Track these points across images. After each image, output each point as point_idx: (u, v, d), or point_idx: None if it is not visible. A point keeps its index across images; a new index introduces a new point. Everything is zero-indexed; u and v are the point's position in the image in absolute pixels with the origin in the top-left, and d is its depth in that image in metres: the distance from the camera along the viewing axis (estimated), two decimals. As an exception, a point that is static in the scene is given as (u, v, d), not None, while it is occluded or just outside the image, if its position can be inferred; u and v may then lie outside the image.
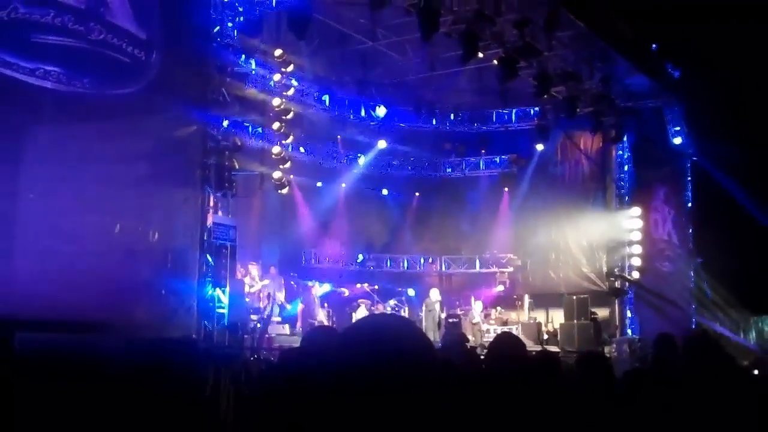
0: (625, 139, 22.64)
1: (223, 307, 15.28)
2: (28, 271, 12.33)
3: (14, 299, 11.16)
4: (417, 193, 25.14)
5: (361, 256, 24.32)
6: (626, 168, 23.28)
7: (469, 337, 20.87)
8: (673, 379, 5.10)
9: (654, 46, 21.15)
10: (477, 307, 21.66)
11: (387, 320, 2.54)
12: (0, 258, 12.06)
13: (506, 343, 4.66)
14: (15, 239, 12.56)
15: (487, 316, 22.06)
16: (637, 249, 22.49)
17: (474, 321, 21.36)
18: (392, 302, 21.65)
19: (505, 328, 21.51)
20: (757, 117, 20.87)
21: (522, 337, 20.80)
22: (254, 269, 18.61)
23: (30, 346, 8.79)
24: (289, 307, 19.14)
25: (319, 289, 20.08)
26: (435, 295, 20.80)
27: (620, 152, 23.23)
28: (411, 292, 22.36)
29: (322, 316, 19.65)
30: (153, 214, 14.11)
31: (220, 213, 15.42)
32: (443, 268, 24.89)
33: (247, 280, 17.91)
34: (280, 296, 18.94)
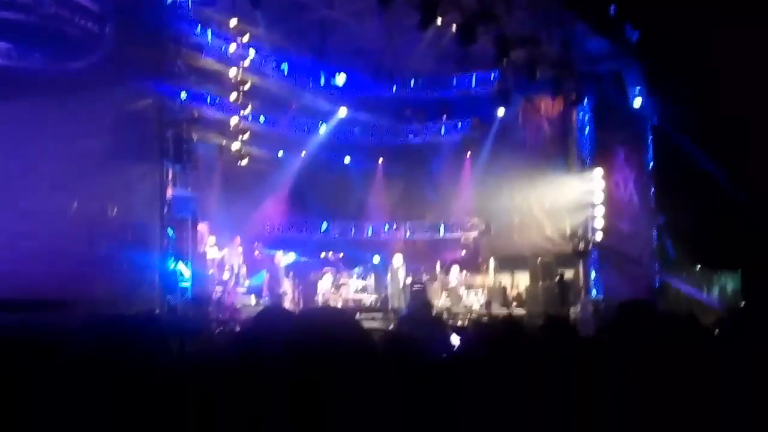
0: (585, 102, 22.65)
1: (186, 281, 15.20)
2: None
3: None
4: (380, 161, 25.05)
5: (325, 225, 24.27)
6: (587, 131, 23.31)
7: (445, 301, 21.08)
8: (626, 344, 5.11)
9: (612, 8, 21.14)
10: (454, 271, 21.74)
11: (330, 319, 2.55)
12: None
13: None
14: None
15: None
16: (600, 210, 22.60)
17: (451, 285, 21.46)
18: (357, 270, 21.66)
19: (472, 292, 21.66)
20: (715, 78, 20.98)
21: (488, 299, 21.10)
22: (211, 238, 18.51)
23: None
24: (247, 282, 19.07)
25: (284, 258, 20.03)
26: (398, 260, 20.83)
27: (581, 115, 23.24)
28: (376, 259, 22.38)
29: (287, 286, 19.62)
30: (111, 189, 13.96)
31: (179, 186, 15.28)
32: (408, 234, 24.90)
33: (208, 250, 17.81)
34: (243, 267, 18.88)
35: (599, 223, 22.70)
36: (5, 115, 12.89)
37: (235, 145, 18.99)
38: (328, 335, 2.41)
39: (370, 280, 21.60)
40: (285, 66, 20.75)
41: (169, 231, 14.87)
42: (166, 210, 14.82)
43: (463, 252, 23.98)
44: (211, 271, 17.55)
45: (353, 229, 24.70)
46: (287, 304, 18.56)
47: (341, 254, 21.73)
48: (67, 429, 2.79)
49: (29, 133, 12.99)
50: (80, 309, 11.43)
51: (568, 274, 21.95)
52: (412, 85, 23.53)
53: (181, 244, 15.11)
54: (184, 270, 15.11)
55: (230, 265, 18.19)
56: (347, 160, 24.66)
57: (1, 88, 12.98)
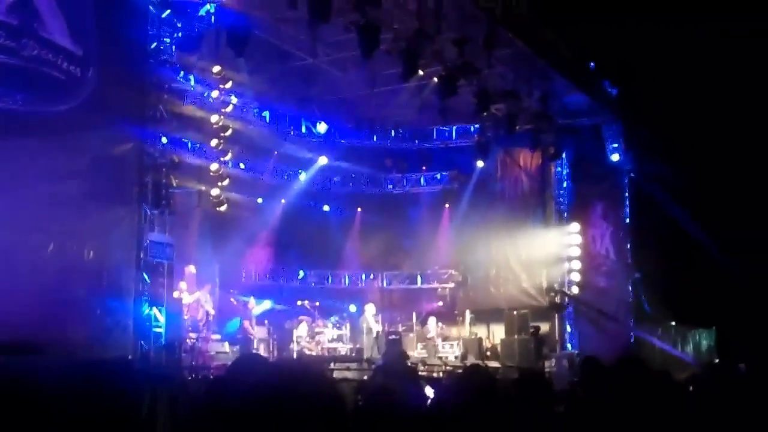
0: (564, 155, 22.90)
1: (160, 326, 15.07)
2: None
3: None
4: (359, 209, 25.11)
5: (302, 273, 24.22)
6: (565, 184, 23.54)
7: (421, 352, 21.03)
8: (601, 398, 5.11)
9: (592, 64, 21.45)
10: (430, 322, 21.74)
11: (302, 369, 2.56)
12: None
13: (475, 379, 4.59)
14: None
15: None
16: (576, 264, 22.74)
17: (429, 336, 21.47)
18: (333, 319, 21.57)
19: (447, 344, 21.63)
20: (691, 135, 21.29)
21: (464, 351, 21.06)
22: (182, 284, 18.40)
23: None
24: (229, 324, 18.97)
25: (258, 306, 19.90)
26: (371, 310, 20.82)
27: (559, 169, 23.49)
28: (352, 308, 22.32)
29: (261, 333, 19.47)
30: (88, 233, 13.84)
31: (156, 231, 15.20)
32: (384, 284, 24.88)
33: (183, 296, 17.71)
34: (215, 313, 18.78)
35: (575, 277, 22.81)
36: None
37: (215, 191, 18.98)
38: (298, 386, 2.41)
39: (346, 330, 21.51)
40: (267, 113, 20.89)
41: (145, 276, 14.77)
42: (142, 254, 14.72)
43: (440, 303, 23.99)
44: (186, 317, 17.43)
45: (330, 278, 24.66)
46: (262, 351, 18.44)
47: (317, 303, 21.65)
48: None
49: (7, 174, 12.88)
50: (54, 352, 11.29)
51: (544, 327, 21.99)
52: (392, 135, 23.73)
53: (156, 290, 15.00)
54: (159, 315, 14.98)
55: (203, 312, 18.07)
56: (326, 208, 24.69)
57: (-20, 128, 12.91)
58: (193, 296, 18.17)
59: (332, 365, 18.66)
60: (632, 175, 23.18)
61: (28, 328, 11.79)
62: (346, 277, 24.79)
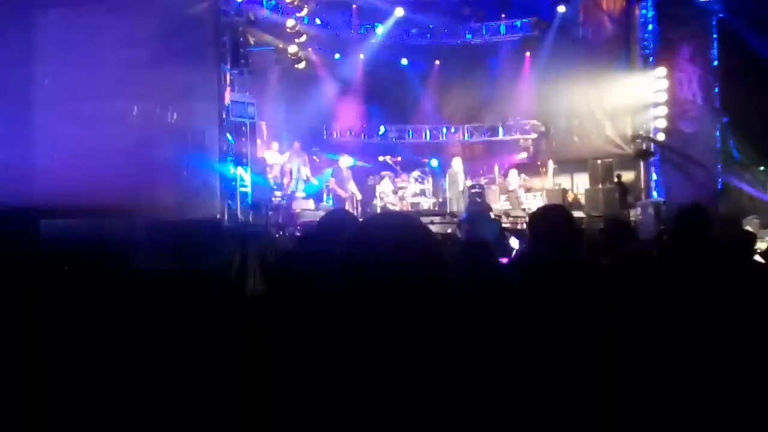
0: (648, -3, 21.96)
1: (246, 186, 15.25)
2: (48, 159, 12.31)
3: (35, 188, 11.17)
4: (437, 62, 24.62)
5: (382, 128, 24.08)
6: (650, 27, 22.59)
7: (504, 204, 20.96)
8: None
9: None
10: (512, 174, 21.55)
11: (400, 221, 2.48)
12: (18, 147, 12.03)
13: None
14: (32, 127, 12.50)
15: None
16: (662, 110, 22.05)
17: (511, 188, 21.31)
18: (415, 173, 21.52)
19: (530, 195, 21.50)
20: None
21: (547, 202, 20.91)
22: (274, 144, 18.48)
23: (54, 232, 8.79)
24: (315, 181, 19.08)
25: (345, 161, 19.90)
26: (457, 164, 20.67)
27: (644, 11, 22.53)
28: (434, 162, 22.23)
29: (354, 189, 19.52)
30: (169, 95, 13.92)
31: (237, 90, 15.20)
32: (465, 137, 24.62)
33: (267, 155, 17.81)
34: (305, 171, 18.89)
35: (661, 123, 22.18)
36: (62, 22, 12.83)
37: (292, 48, 18.73)
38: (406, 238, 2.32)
39: (428, 184, 21.48)
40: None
41: (228, 136, 14.87)
42: (224, 114, 14.78)
43: (522, 154, 23.69)
44: (271, 176, 17.57)
45: (410, 133, 24.47)
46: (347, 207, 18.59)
47: (398, 158, 21.59)
48: (139, 333, 2.79)
49: (86, 41, 12.91)
50: (143, 214, 11.52)
51: (629, 176, 21.63)
52: (470, -17, 22.98)
53: (240, 149, 15.12)
54: (244, 175, 15.14)
55: (290, 170, 18.18)
56: (404, 61, 24.27)
57: (55, -4, 12.90)
58: (283, 156, 18.27)
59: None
60: (720, 15, 22.13)
61: (118, 192, 12.05)
62: (427, 131, 24.54)
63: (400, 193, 20.60)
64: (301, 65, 19.16)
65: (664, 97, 21.97)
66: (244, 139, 15.19)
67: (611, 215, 17.56)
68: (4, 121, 12.14)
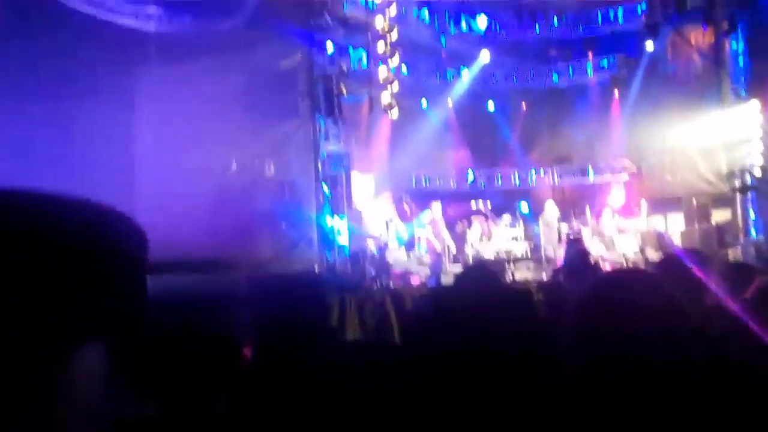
0: (738, 30, 21.43)
1: (342, 237, 15.12)
2: (150, 215, 12.33)
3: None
4: (524, 104, 24.35)
5: (471, 173, 23.83)
6: (741, 61, 22.06)
7: (598, 247, 20.45)
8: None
9: None
10: (605, 216, 21.06)
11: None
12: (121, 203, 12.10)
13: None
14: (134, 184, 12.59)
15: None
16: (758, 145, 21.40)
17: (604, 230, 20.81)
18: (507, 218, 21.15)
19: (624, 237, 20.96)
20: None
21: (643, 244, 20.37)
22: (367, 193, 18.35)
23: (158, 288, 8.68)
24: (407, 231, 18.89)
25: (437, 209, 19.66)
26: (552, 209, 20.29)
27: (734, 45, 22.00)
28: (524, 207, 21.85)
29: (446, 237, 19.25)
30: (266, 149, 13.98)
31: (331, 141, 15.15)
32: (555, 180, 24.21)
33: (360, 205, 17.70)
34: (397, 220, 18.70)
35: (757, 158, 21.51)
36: (161, 80, 12.98)
37: (385, 97, 18.61)
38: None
39: (519, 229, 21.09)
40: (425, 11, 20.27)
41: (325, 187, 14.79)
42: (320, 166, 14.72)
43: (614, 195, 23.18)
44: (365, 226, 17.43)
45: (499, 177, 24.14)
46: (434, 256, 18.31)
47: (489, 203, 21.29)
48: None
49: (184, 96, 13.04)
50: (243, 268, 11.43)
51: (725, 214, 20.98)
52: (555, 24, 22.70)
53: (336, 200, 15.04)
54: (341, 226, 15.03)
55: (384, 220, 18.02)
56: (491, 106, 24.06)
57: (156, 54, 13.06)
58: (375, 206, 18.13)
59: (510, 265, 18.38)
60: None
61: (218, 247, 12.00)
62: (516, 175, 24.20)
63: (491, 239, 20.24)
64: (394, 114, 18.99)
65: (758, 131, 21.34)
66: (339, 189, 15.10)
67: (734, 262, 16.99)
68: (107, 177, 12.23)
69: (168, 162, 12.62)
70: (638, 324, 2.04)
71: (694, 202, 20.68)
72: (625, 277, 2.56)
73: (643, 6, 21.71)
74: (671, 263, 4.45)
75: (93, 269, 1.30)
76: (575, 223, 21.32)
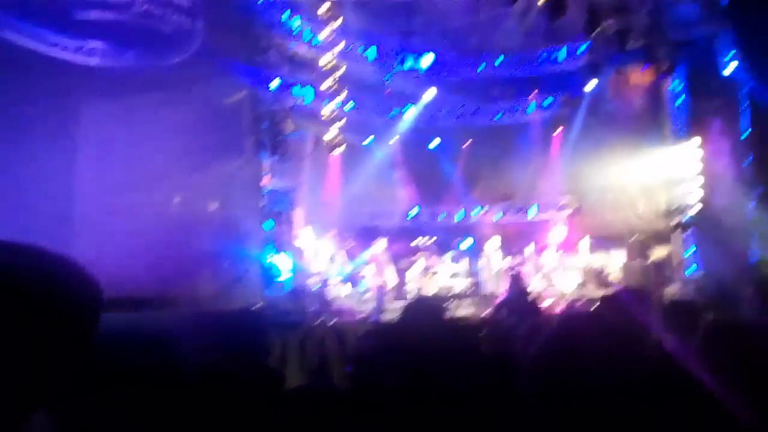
0: (677, 70, 21.93)
1: (286, 274, 15.06)
2: (88, 252, 12.13)
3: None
4: (467, 142, 24.56)
5: (415, 210, 23.91)
6: (680, 100, 22.56)
7: (539, 284, 20.63)
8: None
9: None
10: (547, 253, 21.32)
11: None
12: (59, 241, 11.90)
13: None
14: (72, 220, 12.41)
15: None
16: (696, 183, 21.87)
17: (546, 267, 21.03)
18: (450, 255, 21.27)
19: (565, 274, 21.18)
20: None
21: (584, 280, 20.61)
22: (309, 230, 18.32)
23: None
24: (350, 267, 18.87)
25: (381, 245, 19.70)
26: (493, 244, 20.46)
27: (674, 84, 22.51)
28: (467, 243, 21.98)
29: (390, 273, 19.26)
30: (209, 185, 13.87)
31: (275, 178, 15.13)
32: (498, 217, 24.40)
33: (303, 242, 17.66)
34: (340, 256, 18.68)
35: (696, 196, 21.95)
36: (101, 114, 12.84)
37: (330, 134, 18.65)
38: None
39: (462, 265, 21.19)
40: (372, 49, 20.41)
41: (267, 224, 14.74)
42: (263, 203, 14.68)
43: (556, 232, 23.45)
44: (307, 262, 17.38)
45: (443, 214, 24.27)
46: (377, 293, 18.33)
47: (434, 238, 21.37)
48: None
49: (125, 131, 12.93)
50: (184, 305, 11.36)
51: (665, 251, 21.34)
52: (499, 63, 23.00)
53: (280, 237, 14.99)
54: (283, 263, 14.97)
55: (328, 257, 17.98)
56: (435, 143, 24.24)
57: (96, 88, 12.94)
58: (318, 243, 18.10)
59: (452, 302, 18.46)
60: (751, 85, 22.06)
61: (157, 283, 11.89)
62: (460, 211, 24.35)
63: (433, 276, 20.29)
64: (339, 150, 19.05)
65: (697, 169, 21.80)
66: (283, 226, 15.06)
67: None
68: (45, 215, 12.04)
69: (109, 199, 12.45)
70: (593, 364, 2.08)
71: (635, 239, 20.96)
72: (577, 319, 2.61)
73: (585, 46, 22.07)
74: (614, 301, 4.54)
75: (44, 320, 1.29)
76: (517, 259, 21.50)
